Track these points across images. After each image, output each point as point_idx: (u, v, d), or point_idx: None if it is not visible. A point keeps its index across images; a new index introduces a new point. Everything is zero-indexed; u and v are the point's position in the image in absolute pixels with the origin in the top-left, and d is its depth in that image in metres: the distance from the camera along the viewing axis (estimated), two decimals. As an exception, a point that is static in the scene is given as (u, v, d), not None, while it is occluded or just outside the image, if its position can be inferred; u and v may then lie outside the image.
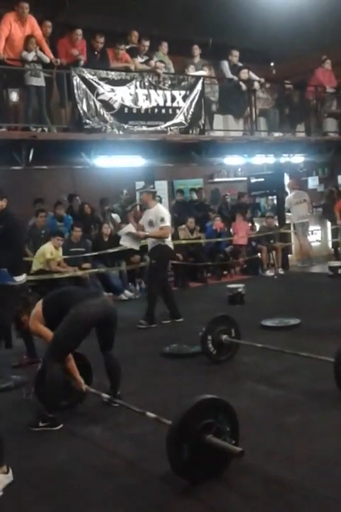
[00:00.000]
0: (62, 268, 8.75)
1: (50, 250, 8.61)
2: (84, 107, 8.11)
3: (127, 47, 9.18)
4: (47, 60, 7.93)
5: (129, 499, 3.21)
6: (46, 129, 7.91)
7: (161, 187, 12.10)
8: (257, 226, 12.37)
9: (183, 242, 10.60)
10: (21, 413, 4.51)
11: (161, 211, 7.36)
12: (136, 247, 7.74)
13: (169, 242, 7.51)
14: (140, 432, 3.95)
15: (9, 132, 7.58)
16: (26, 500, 3.25)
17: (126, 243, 7.66)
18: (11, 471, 3.33)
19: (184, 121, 9.13)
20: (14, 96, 7.67)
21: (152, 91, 8.81)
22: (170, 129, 9.00)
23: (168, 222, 7.33)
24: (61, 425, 4.16)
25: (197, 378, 5.06)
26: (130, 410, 4.00)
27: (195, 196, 12.58)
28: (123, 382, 4.56)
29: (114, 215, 10.67)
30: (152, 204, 7.40)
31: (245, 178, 14.75)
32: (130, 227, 7.49)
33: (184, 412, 3.23)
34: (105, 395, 4.24)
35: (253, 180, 14.39)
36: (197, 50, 9.84)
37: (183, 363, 5.61)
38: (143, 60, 9.16)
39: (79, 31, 8.39)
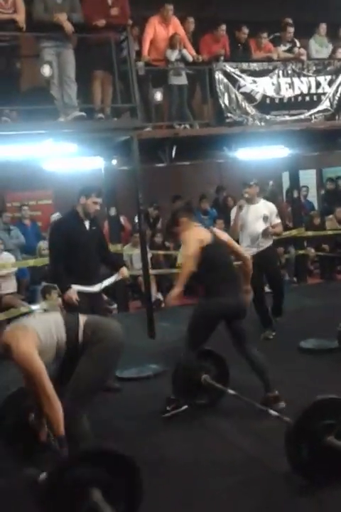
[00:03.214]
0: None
1: (193, 243, 8.83)
2: (226, 101, 8.19)
3: (272, 36, 9.06)
4: (190, 59, 8.13)
5: (250, 495, 3.25)
6: (188, 126, 8.14)
7: (307, 176, 11.81)
8: None
9: (330, 232, 10.23)
10: (158, 402, 4.68)
11: (273, 206, 6.73)
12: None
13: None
14: (265, 427, 3.95)
15: (154, 131, 7.92)
16: (151, 489, 3.43)
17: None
18: None
19: (329, 107, 8.80)
20: (158, 96, 8.00)
21: (295, 79, 8.60)
22: (315, 117, 8.73)
23: (279, 219, 6.76)
24: (185, 406, 4.35)
25: (330, 376, 4.91)
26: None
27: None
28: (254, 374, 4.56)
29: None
30: (258, 199, 6.65)
31: None
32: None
33: (303, 411, 3.20)
34: (231, 391, 4.29)
35: None
36: (343, 33, 9.39)
37: (319, 359, 5.48)
38: (286, 48, 8.97)
39: (223, 27, 8.45)
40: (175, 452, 3.86)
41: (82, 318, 3.36)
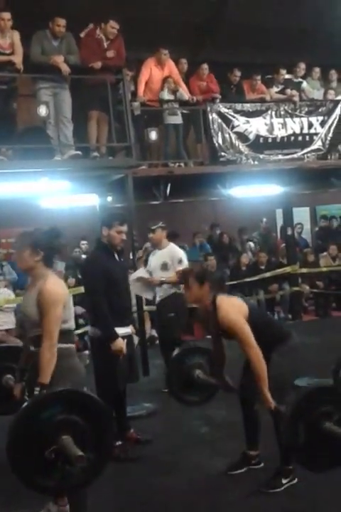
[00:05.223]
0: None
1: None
2: (220, 140, 8.35)
3: (267, 76, 9.28)
4: (186, 97, 8.30)
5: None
6: (182, 164, 8.26)
7: (301, 214, 11.93)
8: None
9: (324, 269, 10.31)
10: (151, 442, 4.71)
11: (178, 251, 6.08)
12: (149, 297, 6.32)
13: None
14: (261, 468, 3.95)
15: (149, 169, 8.04)
16: None
17: (136, 290, 6.22)
18: None
19: (322, 147, 8.98)
20: (153, 135, 8.13)
21: (288, 119, 8.81)
22: (307, 156, 8.89)
23: (186, 264, 5.96)
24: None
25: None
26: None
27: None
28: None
29: (252, 244, 10.72)
30: (165, 243, 6.05)
31: None
32: (141, 272, 6.14)
33: (305, 393, 3.21)
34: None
35: None
36: (334, 75, 9.61)
37: (314, 398, 5.45)
38: (278, 89, 9.17)
39: (205, 66, 8.63)
40: (172, 495, 3.80)
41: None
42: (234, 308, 3.67)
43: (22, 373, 3.45)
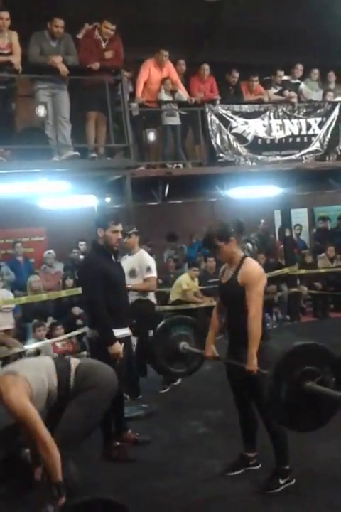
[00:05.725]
0: (198, 298, 8.98)
1: (186, 281, 8.89)
2: (218, 141, 8.35)
3: (265, 78, 9.28)
4: (185, 98, 8.31)
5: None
6: (181, 165, 8.26)
7: (299, 215, 11.96)
8: None
9: (322, 271, 10.32)
10: (149, 444, 4.70)
11: (147, 258, 6.05)
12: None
13: (152, 296, 6.14)
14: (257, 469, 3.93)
15: (147, 170, 8.04)
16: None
17: None
18: None
19: (320, 148, 8.98)
20: (151, 136, 8.14)
21: (286, 120, 8.81)
22: (305, 157, 8.90)
23: (154, 272, 5.97)
24: None
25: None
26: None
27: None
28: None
29: (250, 245, 10.71)
30: (136, 249, 6.05)
31: None
32: None
33: (288, 351, 3.18)
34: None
35: None
36: (332, 77, 9.63)
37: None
38: (276, 91, 9.18)
39: (206, 66, 8.63)
40: (170, 496, 3.80)
41: (74, 362, 3.36)
42: (262, 270, 3.80)
43: (37, 458, 3.36)
